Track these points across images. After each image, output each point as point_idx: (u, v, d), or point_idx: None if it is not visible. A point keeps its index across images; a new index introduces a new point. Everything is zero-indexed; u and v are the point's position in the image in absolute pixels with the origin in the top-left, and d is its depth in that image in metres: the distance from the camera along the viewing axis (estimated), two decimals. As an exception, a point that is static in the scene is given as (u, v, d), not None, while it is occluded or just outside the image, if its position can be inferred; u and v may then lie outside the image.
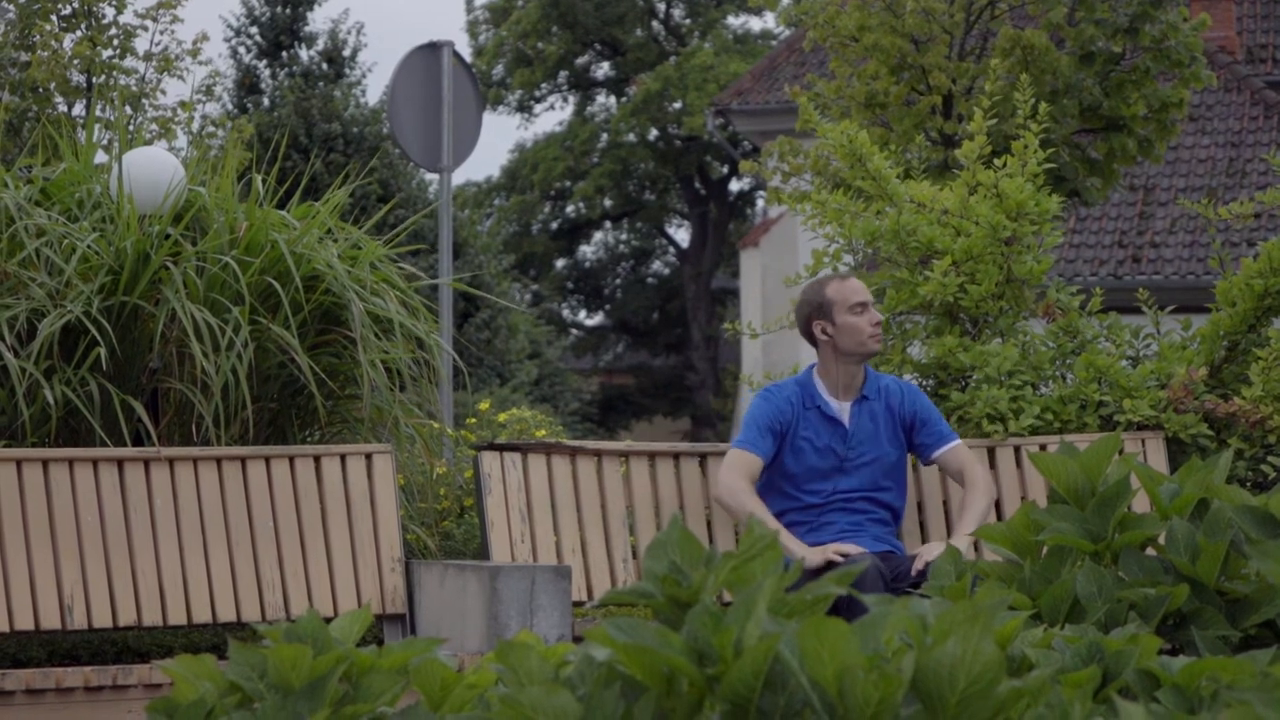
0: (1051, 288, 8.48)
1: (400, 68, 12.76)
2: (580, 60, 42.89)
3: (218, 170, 8.32)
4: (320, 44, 30.36)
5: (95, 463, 6.74)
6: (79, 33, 14.21)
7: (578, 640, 6.87)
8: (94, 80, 13.91)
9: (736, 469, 6.70)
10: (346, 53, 30.25)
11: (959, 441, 6.84)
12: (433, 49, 12.78)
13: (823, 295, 6.77)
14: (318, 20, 44.79)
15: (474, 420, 10.07)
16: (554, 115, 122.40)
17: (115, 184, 7.86)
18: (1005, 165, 8.33)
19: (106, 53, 14.06)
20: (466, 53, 41.68)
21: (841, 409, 6.72)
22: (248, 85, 29.98)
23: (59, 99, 14.02)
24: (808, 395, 6.73)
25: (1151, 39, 16.00)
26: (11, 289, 7.49)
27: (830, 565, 6.38)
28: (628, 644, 2.28)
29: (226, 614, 6.81)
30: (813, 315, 6.78)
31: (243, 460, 6.95)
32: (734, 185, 43.09)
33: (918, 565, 6.41)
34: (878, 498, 6.74)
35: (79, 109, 14.08)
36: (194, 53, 14.24)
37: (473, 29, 43.14)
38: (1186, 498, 3.28)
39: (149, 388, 7.63)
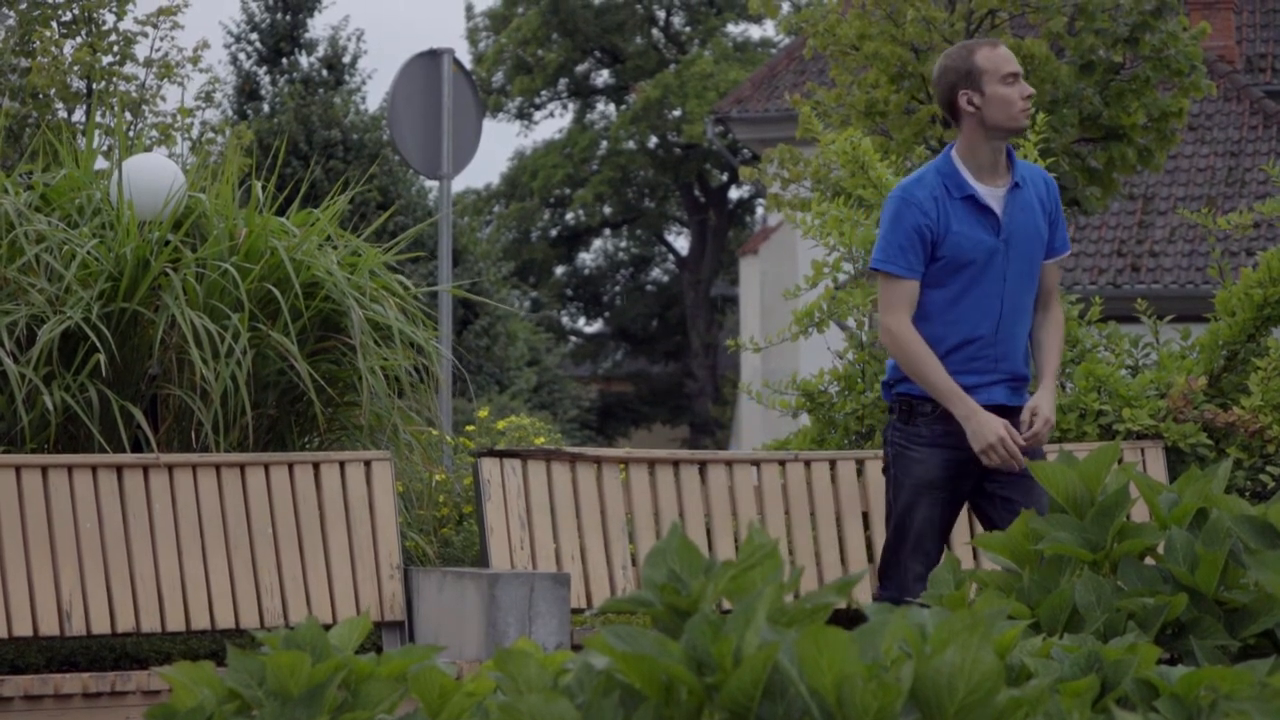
0: (1051, 296, 8.49)
1: (400, 75, 12.77)
2: (580, 68, 42.92)
3: (217, 177, 8.33)
4: (320, 51, 30.38)
5: (94, 469, 6.74)
6: (79, 39, 14.21)
7: (576, 648, 6.87)
8: (94, 86, 13.91)
9: (901, 306, 5.93)
10: (346, 59, 30.26)
11: (1066, 254, 6.22)
12: (433, 56, 12.79)
13: (971, 62, 5.98)
14: (318, 27, 44.89)
15: (473, 427, 10.07)
16: (554, 123, 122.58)
17: (115, 190, 7.87)
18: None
19: (107, 59, 14.05)
20: (466, 60, 41.71)
21: (992, 196, 5.99)
22: (248, 92, 29.99)
23: (59, 105, 14.02)
24: (953, 184, 5.96)
25: (1151, 48, 16.02)
26: (11, 295, 7.49)
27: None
28: (627, 652, 2.28)
29: (225, 621, 6.81)
30: (958, 84, 5.96)
31: (242, 467, 6.95)
32: (733, 193, 43.13)
33: (1025, 417, 5.94)
34: (1025, 314, 6.07)
35: (79, 115, 14.08)
36: (194, 59, 14.24)
37: (473, 36, 43.17)
38: (1185, 507, 3.28)
39: (148, 394, 7.63)
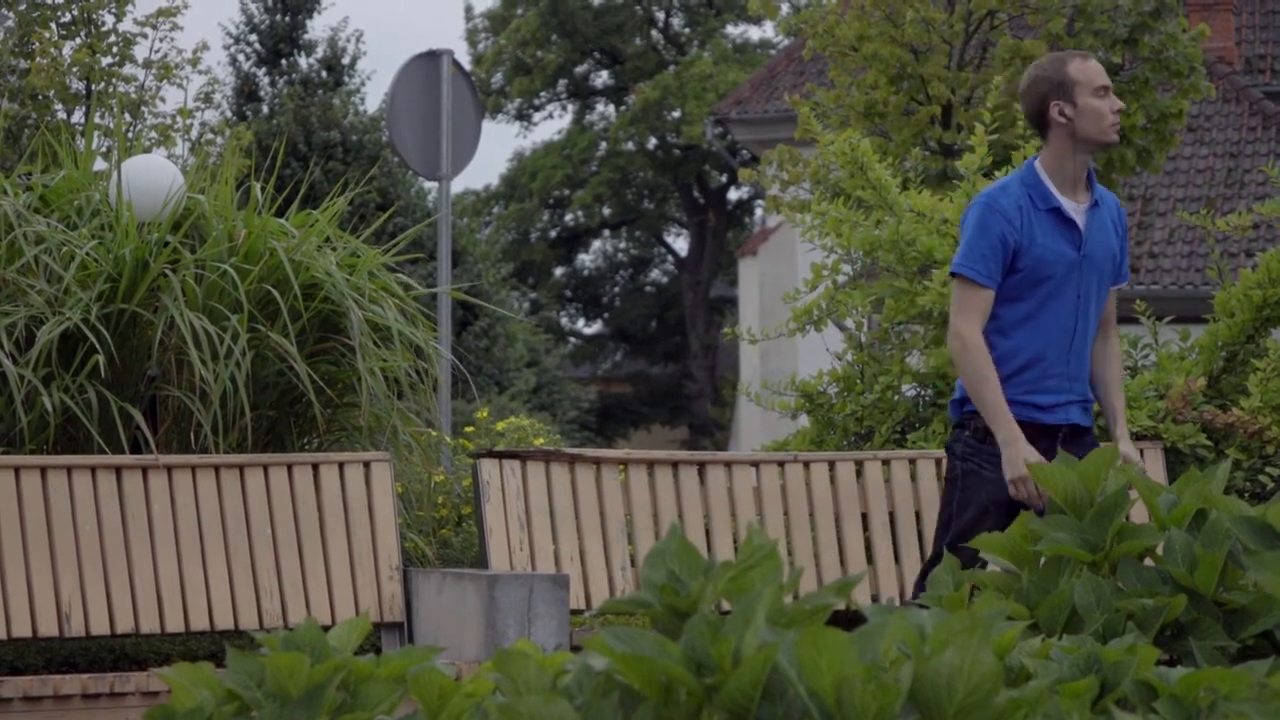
0: (1050, 298, 8.47)
1: (399, 76, 12.76)
2: (579, 69, 42.92)
3: (216, 178, 8.33)
4: (319, 52, 30.37)
5: (93, 470, 6.74)
6: (78, 40, 14.21)
7: (575, 649, 6.87)
8: (93, 88, 13.91)
9: (975, 313, 5.86)
10: (346, 61, 30.25)
11: (1125, 283, 6.27)
12: (432, 57, 12.79)
13: (1064, 73, 5.94)
14: (317, 28, 44.94)
15: (472, 428, 10.07)
16: (553, 124, 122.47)
17: (114, 191, 7.87)
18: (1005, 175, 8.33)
19: (106, 60, 14.05)
20: (466, 61, 41.69)
21: (1075, 211, 5.95)
22: (247, 93, 29.98)
23: (58, 106, 14.02)
24: (1039, 195, 5.91)
25: (1150, 50, 16.01)
26: (10, 296, 7.49)
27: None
28: (626, 653, 2.28)
29: (224, 622, 6.81)
30: (1050, 94, 5.92)
31: (241, 468, 6.95)
32: (732, 194, 43.13)
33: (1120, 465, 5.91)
34: (1092, 335, 6.07)
35: (78, 116, 14.08)
36: (194, 61, 14.24)
37: (472, 37, 43.17)
38: (1184, 508, 3.28)
39: (147, 395, 7.63)
